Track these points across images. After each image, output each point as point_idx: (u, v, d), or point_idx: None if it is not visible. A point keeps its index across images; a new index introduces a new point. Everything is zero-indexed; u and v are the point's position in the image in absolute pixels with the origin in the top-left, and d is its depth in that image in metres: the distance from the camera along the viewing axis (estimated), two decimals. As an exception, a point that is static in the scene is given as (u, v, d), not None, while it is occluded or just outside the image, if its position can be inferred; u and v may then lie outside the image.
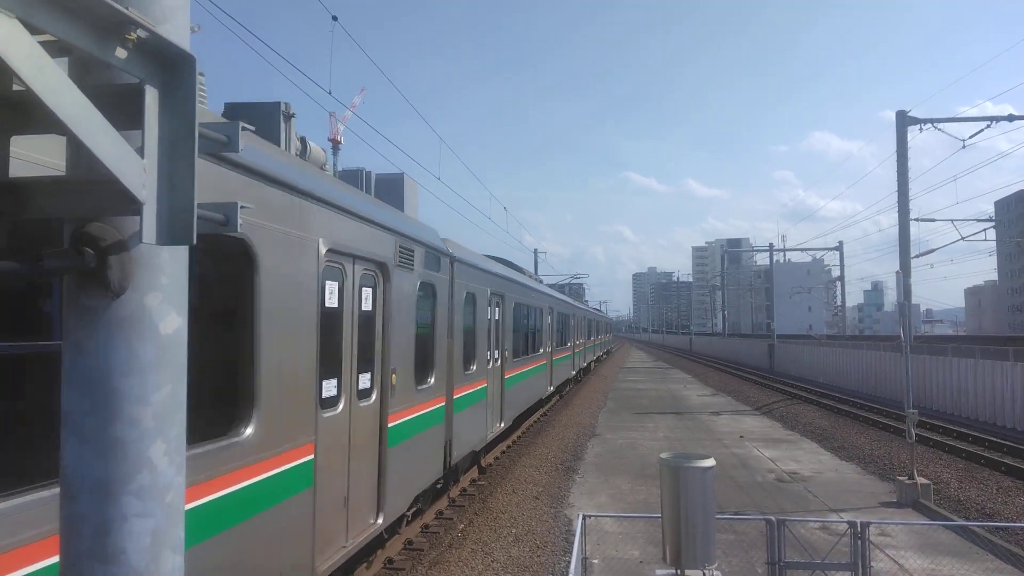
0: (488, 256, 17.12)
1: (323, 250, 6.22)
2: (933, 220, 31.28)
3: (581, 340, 36.15)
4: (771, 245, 56.42)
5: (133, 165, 1.53)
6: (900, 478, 13.65)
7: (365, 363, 7.40)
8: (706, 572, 6.25)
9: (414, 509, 9.91)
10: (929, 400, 27.49)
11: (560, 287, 53.59)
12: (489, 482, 14.35)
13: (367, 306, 7.47)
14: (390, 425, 7.87)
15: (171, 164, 1.59)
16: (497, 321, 14.83)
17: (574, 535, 8.48)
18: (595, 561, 9.42)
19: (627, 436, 20.63)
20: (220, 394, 4.95)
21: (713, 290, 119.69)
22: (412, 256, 8.75)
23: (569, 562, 8.04)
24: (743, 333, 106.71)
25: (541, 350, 20.97)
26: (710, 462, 6.42)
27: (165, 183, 1.58)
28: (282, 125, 7.05)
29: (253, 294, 5.12)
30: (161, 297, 1.66)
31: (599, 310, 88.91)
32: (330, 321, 6.53)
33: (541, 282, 30.76)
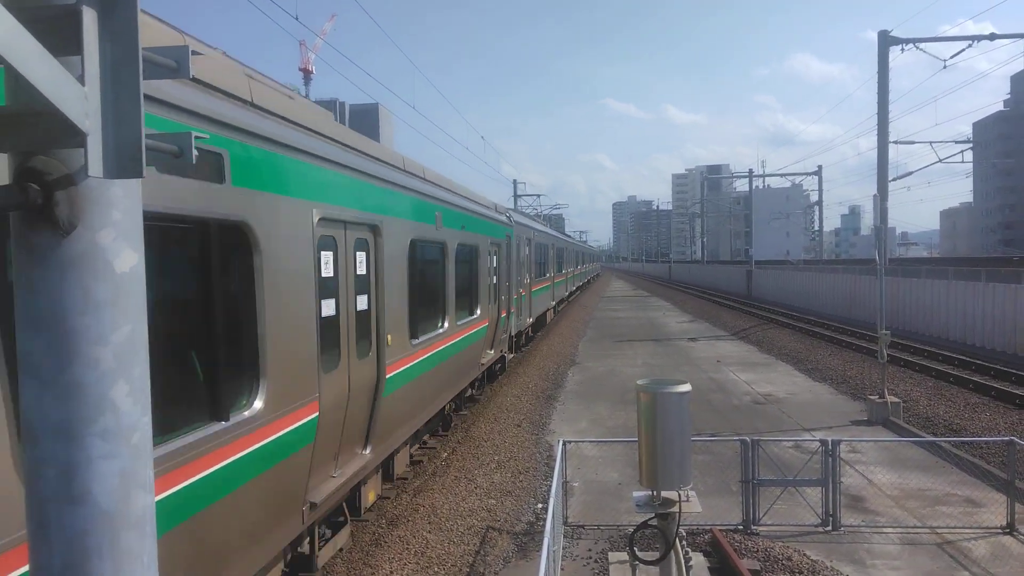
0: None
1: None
2: (912, 143, 31.31)
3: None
4: (750, 171, 56.21)
5: (74, 93, 1.44)
6: (871, 397, 14.04)
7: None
8: (681, 492, 6.42)
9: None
10: (902, 321, 28.08)
11: (541, 218, 53.15)
12: (472, 412, 14.56)
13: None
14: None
15: (115, 91, 1.50)
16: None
17: (555, 460, 8.67)
18: (575, 484, 9.67)
19: (607, 364, 20.95)
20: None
21: (693, 218, 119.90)
22: None
23: (550, 486, 8.25)
24: (722, 260, 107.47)
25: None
26: (686, 387, 6.50)
27: (110, 112, 1.49)
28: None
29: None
30: (114, 234, 1.59)
31: (580, 240, 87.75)
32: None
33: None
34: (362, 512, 8.10)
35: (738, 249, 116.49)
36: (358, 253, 7.34)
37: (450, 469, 10.82)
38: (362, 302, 7.42)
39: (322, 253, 6.40)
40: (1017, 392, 15.58)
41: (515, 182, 56.65)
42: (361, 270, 7.48)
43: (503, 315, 16.51)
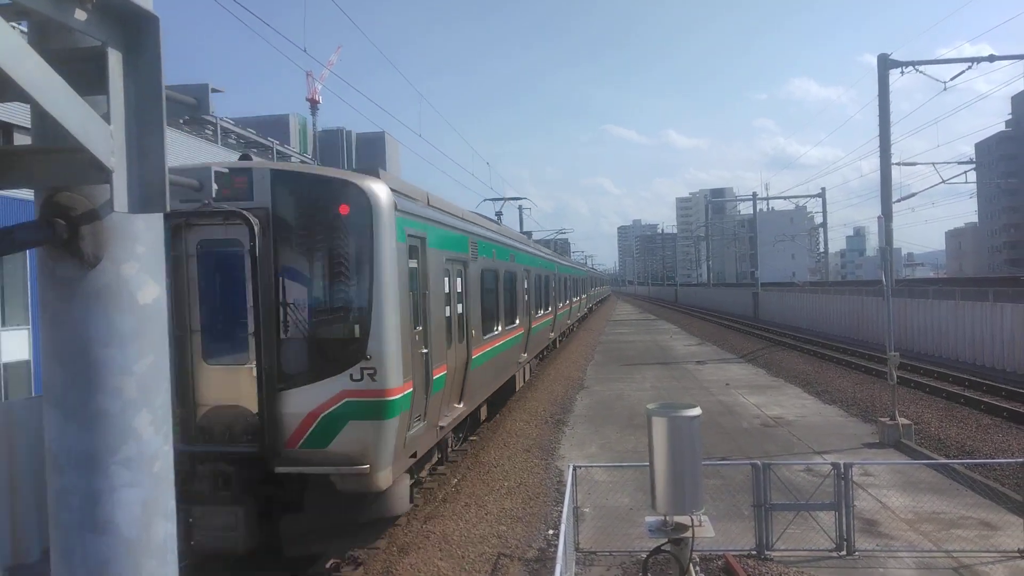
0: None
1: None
2: (914, 164, 31.40)
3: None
4: (754, 194, 56.40)
5: (100, 131, 1.48)
6: (882, 419, 13.93)
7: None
8: (694, 517, 6.38)
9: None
10: (911, 343, 27.93)
11: (545, 242, 54.18)
12: (480, 437, 14.51)
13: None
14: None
15: (139, 129, 1.54)
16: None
17: (565, 486, 8.62)
18: (586, 510, 9.60)
19: (615, 388, 20.88)
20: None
21: (698, 241, 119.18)
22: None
23: (561, 512, 8.19)
24: (728, 283, 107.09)
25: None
26: (696, 411, 6.48)
27: (134, 149, 1.54)
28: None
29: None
30: (138, 267, 1.63)
31: (586, 265, 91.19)
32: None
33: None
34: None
35: (744, 272, 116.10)
36: (536, 280, 21.17)
37: (460, 495, 10.76)
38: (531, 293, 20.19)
39: (542, 278, 23.27)
40: (1029, 412, 15.43)
41: (520, 208, 56.64)
42: (537, 284, 21.71)
43: (583, 300, 47.26)
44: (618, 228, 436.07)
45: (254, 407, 7.33)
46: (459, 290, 10.96)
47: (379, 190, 7.60)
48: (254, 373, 7.37)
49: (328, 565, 7.61)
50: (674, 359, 28.19)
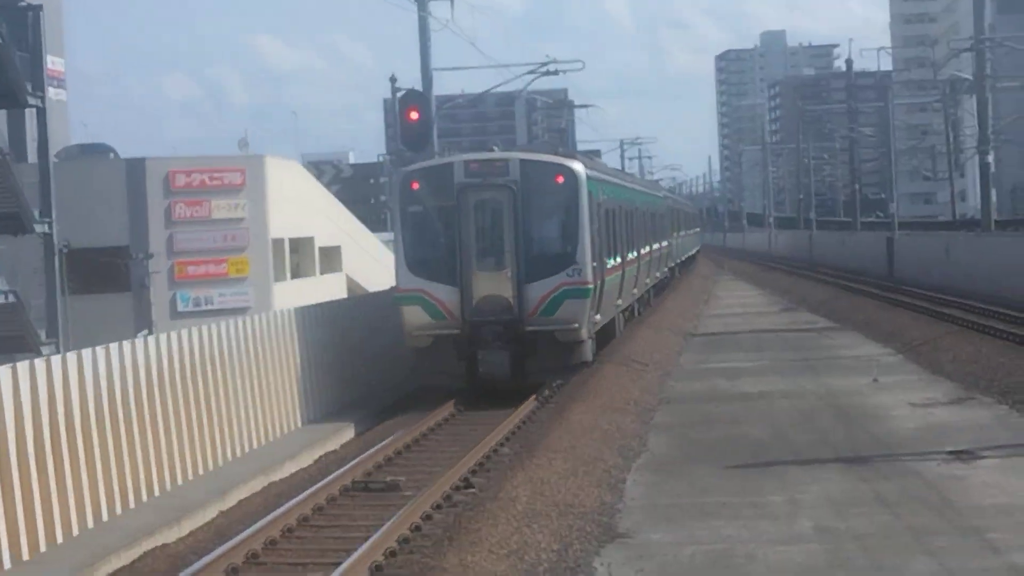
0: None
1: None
2: None
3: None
4: None
5: None
6: None
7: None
8: None
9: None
10: None
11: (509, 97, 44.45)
12: None
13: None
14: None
15: None
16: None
17: None
18: None
19: (707, 534, 9.89)
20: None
21: (952, 91, 65.27)
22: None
23: None
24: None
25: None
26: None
27: None
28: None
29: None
30: None
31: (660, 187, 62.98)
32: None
33: None
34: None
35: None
36: (625, 214, 30.67)
37: None
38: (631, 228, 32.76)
39: (647, 213, 39.65)
40: None
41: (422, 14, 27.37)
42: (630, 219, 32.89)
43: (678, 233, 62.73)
44: (717, 58, 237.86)
45: (508, 295, 18.85)
46: (600, 226, 22.87)
47: (578, 167, 20.37)
48: (509, 276, 18.95)
49: None
50: (881, 445, 14.58)
